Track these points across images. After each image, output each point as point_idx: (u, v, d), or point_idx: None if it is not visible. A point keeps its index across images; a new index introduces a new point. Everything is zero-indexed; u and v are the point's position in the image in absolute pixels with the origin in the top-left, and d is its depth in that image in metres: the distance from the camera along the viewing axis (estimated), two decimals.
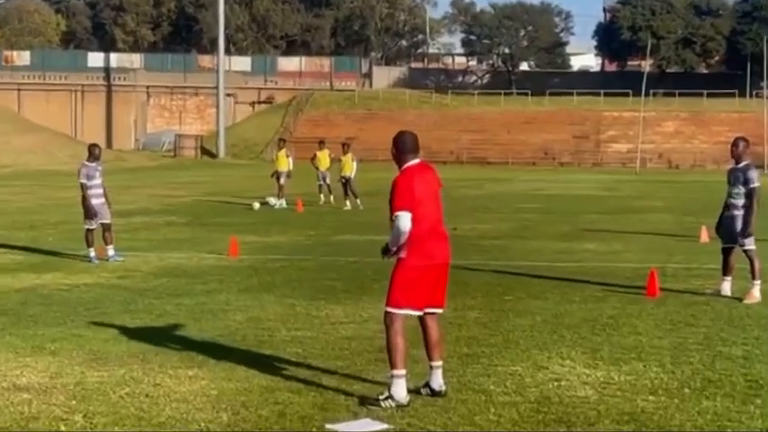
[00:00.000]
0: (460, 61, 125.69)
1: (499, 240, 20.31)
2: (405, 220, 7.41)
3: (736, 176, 12.80)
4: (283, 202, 30.02)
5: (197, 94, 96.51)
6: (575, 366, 8.64)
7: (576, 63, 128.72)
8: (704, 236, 19.68)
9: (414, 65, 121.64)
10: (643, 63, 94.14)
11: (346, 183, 30.14)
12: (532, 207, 30.88)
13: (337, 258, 16.74)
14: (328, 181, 31.94)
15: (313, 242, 19.89)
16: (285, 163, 31.65)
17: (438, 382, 7.63)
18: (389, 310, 7.50)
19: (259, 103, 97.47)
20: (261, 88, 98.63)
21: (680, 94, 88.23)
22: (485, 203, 32.85)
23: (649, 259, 16.70)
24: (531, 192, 41.41)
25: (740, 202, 12.62)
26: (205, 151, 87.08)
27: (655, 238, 20.84)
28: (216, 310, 11.44)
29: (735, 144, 12.94)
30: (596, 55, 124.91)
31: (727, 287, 12.66)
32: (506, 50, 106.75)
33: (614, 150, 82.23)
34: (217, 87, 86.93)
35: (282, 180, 30.97)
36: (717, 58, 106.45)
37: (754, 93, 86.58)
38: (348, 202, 29.59)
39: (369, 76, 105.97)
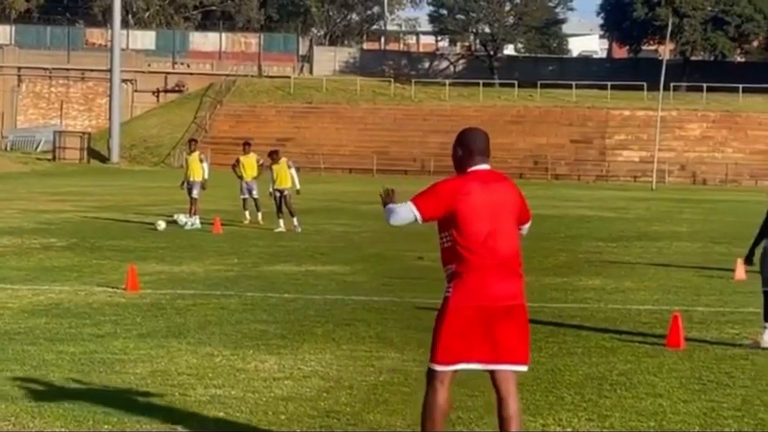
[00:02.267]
0: (428, 42, 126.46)
1: None
2: (403, 213, 7.40)
3: None
4: (197, 221, 29.95)
5: (84, 78, 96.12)
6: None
7: (577, 47, 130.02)
8: (740, 271, 19.89)
9: (367, 46, 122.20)
10: (661, 48, 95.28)
11: (281, 198, 30.08)
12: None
13: (268, 295, 16.72)
14: (255, 194, 31.92)
15: (236, 273, 19.85)
16: (199, 170, 31.48)
17: None
18: (429, 366, 7.46)
19: (165, 91, 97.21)
20: (168, 72, 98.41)
21: (708, 89, 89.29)
22: None
23: (670, 300, 16.84)
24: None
25: None
26: (94, 153, 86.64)
27: (677, 274, 21.03)
28: (110, 361, 11.38)
29: None
30: (602, 37, 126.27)
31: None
32: (486, 29, 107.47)
33: (624, 160, 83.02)
34: (110, 70, 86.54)
35: (195, 192, 30.88)
36: (756, 43, 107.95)
37: None
38: (282, 223, 29.58)
39: (308, 59, 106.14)
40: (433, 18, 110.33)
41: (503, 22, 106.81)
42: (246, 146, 33.78)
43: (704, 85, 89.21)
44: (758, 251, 13.30)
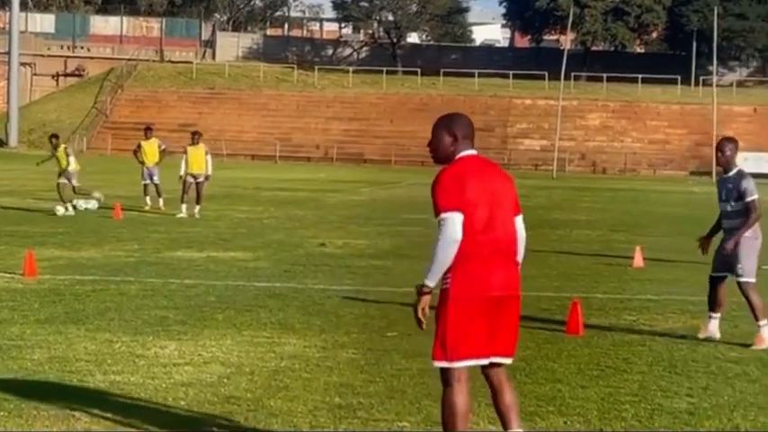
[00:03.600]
0: (331, 29, 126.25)
1: (380, 260, 20.43)
2: (453, 225, 6.98)
3: (728, 189, 12.81)
4: (70, 208, 29.22)
5: None
6: (477, 422, 8.74)
7: (480, 36, 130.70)
8: (638, 259, 20.16)
9: (270, 32, 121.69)
10: (563, 38, 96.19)
11: (196, 184, 29.68)
12: (422, 219, 31.13)
13: (169, 281, 16.59)
14: (157, 179, 31.65)
15: (137, 259, 19.66)
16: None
17: None
18: (438, 364, 7.18)
19: (65, 75, 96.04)
20: (68, 56, 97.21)
21: (608, 79, 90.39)
22: (362, 213, 33.02)
23: (570, 287, 17.02)
24: (421, 199, 41.70)
25: (738, 221, 12.75)
26: None
27: (577, 261, 21.25)
28: (6, 347, 11.22)
29: (720, 148, 12.93)
30: (504, 26, 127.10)
31: (715, 327, 12.73)
32: (390, 17, 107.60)
33: (525, 148, 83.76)
34: (8, 53, 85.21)
35: (74, 181, 30.19)
36: (655, 34, 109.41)
37: (700, 79, 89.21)
38: (185, 208, 29.32)
39: (211, 44, 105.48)
40: (337, 5, 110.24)
41: (406, 10, 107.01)
42: (148, 131, 33.51)
43: (604, 75, 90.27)
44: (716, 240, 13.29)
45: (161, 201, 31.17)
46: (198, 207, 29.41)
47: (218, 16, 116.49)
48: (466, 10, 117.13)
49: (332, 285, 16.67)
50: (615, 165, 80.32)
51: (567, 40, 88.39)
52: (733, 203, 12.80)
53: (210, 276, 17.23)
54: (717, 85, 79.72)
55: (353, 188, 47.77)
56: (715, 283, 12.94)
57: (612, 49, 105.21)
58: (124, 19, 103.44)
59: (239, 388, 9.66)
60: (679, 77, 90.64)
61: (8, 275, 16.73)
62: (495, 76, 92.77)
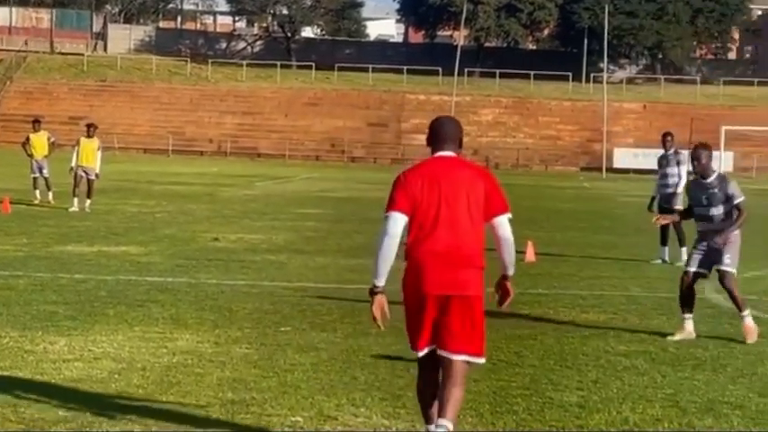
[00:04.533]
0: (225, 22, 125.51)
1: (273, 255, 20.38)
2: (392, 223, 7.31)
3: (711, 194, 12.89)
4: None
5: None
6: (371, 416, 8.76)
7: (374, 31, 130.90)
8: (530, 253, 20.35)
9: (163, 24, 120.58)
10: (456, 34, 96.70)
11: (87, 178, 29.39)
12: (317, 213, 31.15)
13: (59, 275, 16.38)
14: (46, 173, 31.27)
15: (26, 254, 19.37)
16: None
17: None
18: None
19: None
20: None
21: (501, 75, 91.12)
22: (256, 208, 32.90)
23: None
24: (315, 194, 41.76)
25: (723, 223, 12.84)
26: None
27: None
28: None
29: (696, 157, 12.91)
30: (398, 21, 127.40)
31: (691, 327, 12.83)
32: (284, 11, 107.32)
33: (419, 143, 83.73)
34: None
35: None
36: (547, 31, 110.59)
37: (591, 76, 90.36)
38: (76, 202, 28.97)
39: (103, 36, 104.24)
40: None
41: (300, 4, 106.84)
42: (36, 123, 33.07)
43: (497, 71, 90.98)
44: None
45: (50, 194, 30.78)
46: (89, 201, 29.09)
47: (110, 8, 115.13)
48: (360, 5, 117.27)
49: (225, 280, 16.58)
50: (508, 160, 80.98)
51: (460, 36, 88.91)
52: (719, 207, 12.97)
53: (101, 271, 17.03)
54: (607, 82, 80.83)
55: (247, 182, 47.57)
56: (693, 280, 13.13)
57: (505, 45, 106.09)
58: (13, 9, 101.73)
59: (131, 384, 9.57)
60: (570, 74, 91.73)
61: None
62: (389, 71, 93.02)
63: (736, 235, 12.98)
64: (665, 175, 21.13)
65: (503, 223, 7.48)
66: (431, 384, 7.46)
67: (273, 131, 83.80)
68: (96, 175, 29.74)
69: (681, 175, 20.90)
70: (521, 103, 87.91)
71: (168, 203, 33.05)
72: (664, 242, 21.05)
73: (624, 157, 77.94)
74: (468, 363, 7.37)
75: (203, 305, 13.99)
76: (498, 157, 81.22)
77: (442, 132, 7.60)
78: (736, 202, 12.94)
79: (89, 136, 29.94)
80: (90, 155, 29.66)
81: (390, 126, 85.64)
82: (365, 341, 11.91)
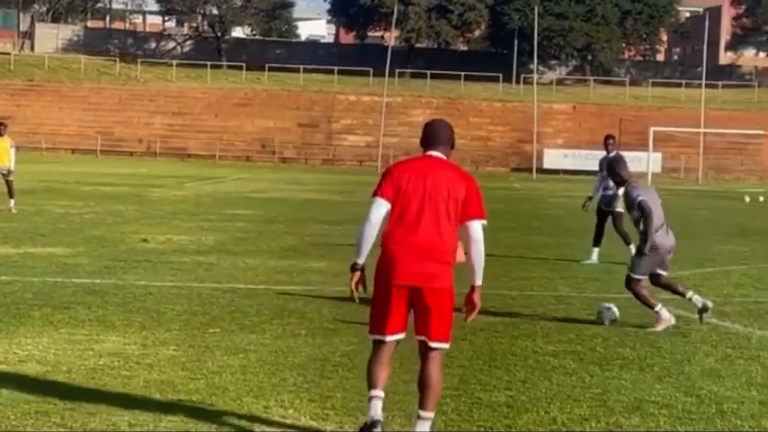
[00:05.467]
0: (154, 22, 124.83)
1: (202, 256, 20.27)
2: (374, 208, 7.86)
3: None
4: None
5: None
6: (299, 418, 8.74)
7: (305, 31, 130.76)
8: (460, 254, 20.34)
9: (91, 24, 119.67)
10: (387, 35, 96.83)
11: (6, 179, 29.16)
12: (247, 214, 31.04)
13: None
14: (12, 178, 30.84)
15: None
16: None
17: None
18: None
19: None
20: None
21: (432, 76, 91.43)
22: (185, 209, 32.73)
23: None
24: (245, 194, 41.62)
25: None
26: None
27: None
28: None
29: (612, 160, 14.02)
30: (329, 22, 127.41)
31: (668, 313, 13.53)
32: (214, 11, 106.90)
33: (350, 144, 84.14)
34: None
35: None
36: (478, 32, 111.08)
37: (521, 77, 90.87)
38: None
39: (30, 35, 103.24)
40: None
41: (231, 4, 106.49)
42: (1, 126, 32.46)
43: (428, 72, 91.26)
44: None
45: (12, 201, 30.37)
46: (12, 201, 28.78)
47: (37, 7, 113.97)
48: (291, 5, 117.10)
49: (153, 281, 16.46)
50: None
51: (391, 37, 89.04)
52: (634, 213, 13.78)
53: (27, 273, 16.84)
54: (537, 84, 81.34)
55: (177, 183, 47.30)
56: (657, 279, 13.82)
57: (436, 46, 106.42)
58: None
59: (56, 387, 9.46)
60: (501, 75, 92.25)
61: None
62: (320, 71, 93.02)
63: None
64: (605, 178, 21.21)
65: (476, 228, 8.04)
66: (382, 365, 7.94)
67: (203, 132, 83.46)
68: (9, 171, 29.33)
69: None
70: (451, 103, 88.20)
71: (96, 204, 32.78)
72: (596, 243, 21.19)
73: (554, 158, 78.53)
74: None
75: (131, 307, 13.87)
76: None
77: (433, 134, 8.17)
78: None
79: (0, 135, 29.63)
80: (4, 154, 29.37)
81: (321, 127, 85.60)
82: (294, 342, 11.88)
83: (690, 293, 13.80)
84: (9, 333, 11.84)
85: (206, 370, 10.38)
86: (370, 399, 7.94)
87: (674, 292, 13.94)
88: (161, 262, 19.07)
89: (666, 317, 13.37)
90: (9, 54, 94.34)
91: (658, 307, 13.43)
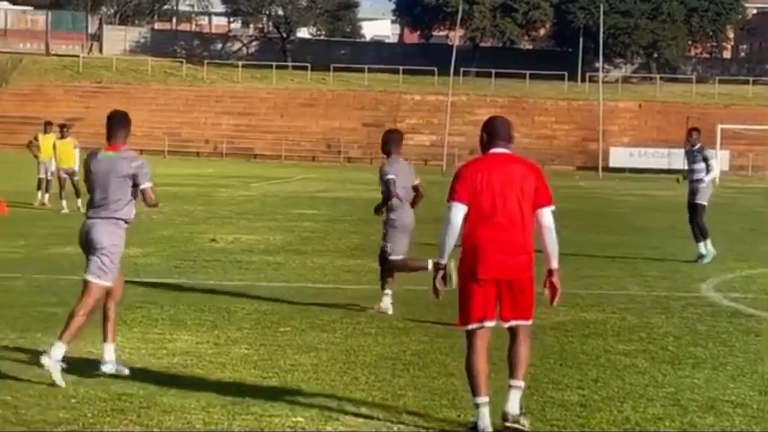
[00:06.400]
0: (220, 23, 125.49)
1: (271, 256, 20.36)
2: (453, 212, 8.24)
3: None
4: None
5: None
6: (372, 416, 8.76)
7: (369, 31, 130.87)
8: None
9: (158, 26, 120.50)
10: (452, 34, 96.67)
11: (69, 178, 29.49)
12: (313, 214, 31.12)
13: (57, 277, 16.36)
14: (51, 175, 31.15)
15: (23, 256, 19.36)
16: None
17: (512, 405, 8.39)
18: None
19: None
20: None
21: (497, 75, 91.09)
22: (252, 209, 32.87)
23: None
24: (311, 194, 41.74)
25: None
26: None
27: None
28: None
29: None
30: (394, 22, 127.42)
31: (388, 303, 14.08)
32: (280, 12, 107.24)
33: (415, 143, 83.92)
34: None
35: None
36: (543, 31, 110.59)
37: (587, 75, 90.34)
38: (65, 204, 28.96)
39: (98, 38, 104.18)
40: None
41: (296, 5, 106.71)
42: (48, 125, 32.76)
43: (493, 71, 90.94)
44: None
45: (47, 196, 30.69)
46: (80, 201, 29.04)
47: (105, 9, 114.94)
48: (356, 5, 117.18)
49: (223, 281, 16.57)
50: None
51: (456, 36, 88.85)
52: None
53: None
54: (603, 82, 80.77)
55: (243, 183, 47.52)
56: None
57: (501, 45, 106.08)
58: (8, 11, 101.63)
59: (131, 385, 9.56)
60: (566, 74, 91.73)
61: None
62: (385, 71, 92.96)
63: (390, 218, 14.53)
64: (691, 171, 21.12)
65: (547, 214, 8.46)
66: (479, 356, 8.34)
67: (269, 132, 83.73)
68: (74, 172, 29.55)
69: (710, 169, 20.96)
70: (517, 102, 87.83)
71: (164, 204, 32.93)
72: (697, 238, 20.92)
73: (620, 157, 77.96)
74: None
75: (202, 306, 13.97)
76: None
77: (496, 131, 8.53)
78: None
79: (63, 137, 29.95)
80: (68, 155, 29.69)
81: (386, 126, 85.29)
82: (365, 341, 11.91)
83: None
84: (84, 332, 11.94)
85: (278, 368, 10.44)
86: (477, 406, 8.28)
87: None
88: (230, 261, 19.18)
89: None
90: (78, 56, 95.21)
91: None
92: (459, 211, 8.24)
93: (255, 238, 23.72)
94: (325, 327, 12.70)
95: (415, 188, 14.49)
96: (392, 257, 14.29)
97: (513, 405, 8.41)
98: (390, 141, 14.53)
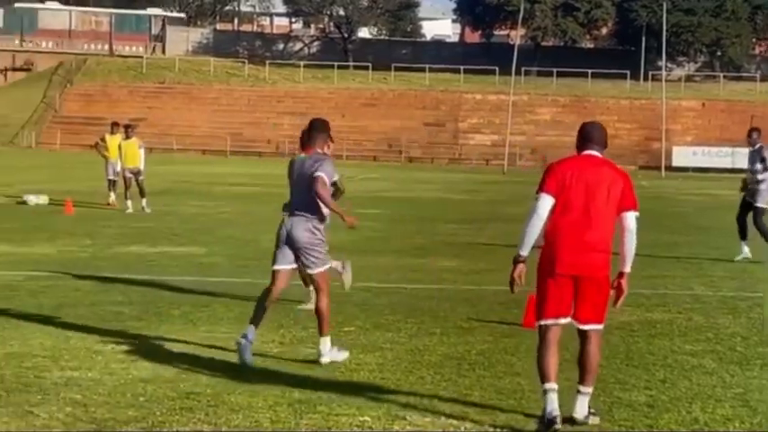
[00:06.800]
0: (282, 24, 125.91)
1: (335, 255, 20.36)
2: (540, 203, 8.48)
3: None
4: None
5: None
6: (439, 416, 8.75)
7: (430, 31, 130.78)
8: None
9: (220, 26, 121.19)
10: (513, 33, 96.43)
11: (134, 178, 29.77)
12: (376, 213, 31.13)
13: (123, 276, 16.48)
14: (116, 175, 31.38)
15: (90, 254, 19.54)
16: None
17: (580, 410, 8.49)
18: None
19: (13, 70, 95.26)
20: (16, 51, 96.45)
21: (559, 74, 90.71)
22: None
23: (525, 281, 17.00)
24: (373, 194, 41.75)
25: None
26: None
27: (530, 254, 21.29)
28: None
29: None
30: (455, 21, 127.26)
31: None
32: (341, 12, 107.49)
33: (476, 143, 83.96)
34: None
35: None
36: (605, 29, 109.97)
37: (649, 74, 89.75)
38: (130, 204, 29.21)
39: (161, 38, 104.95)
40: (287, 0, 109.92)
41: (357, 5, 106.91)
42: (116, 126, 32.90)
43: (554, 70, 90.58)
44: None
45: (113, 196, 30.95)
46: (144, 200, 29.30)
47: (168, 10, 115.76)
48: (416, 5, 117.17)
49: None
50: None
51: (517, 36, 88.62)
52: None
53: (165, 272, 17.13)
54: (665, 80, 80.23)
55: None
56: None
57: (562, 44, 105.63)
58: (73, 13, 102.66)
59: (198, 383, 9.61)
60: (628, 72, 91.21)
61: None
62: (446, 71, 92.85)
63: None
64: (751, 172, 20.91)
65: (631, 218, 8.62)
66: (550, 349, 8.50)
67: (331, 132, 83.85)
68: (138, 171, 29.76)
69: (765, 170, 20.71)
70: (578, 101, 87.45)
71: (228, 204, 33.20)
72: (743, 236, 20.75)
73: (683, 156, 77.39)
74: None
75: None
76: (556, 156, 79.61)
77: (590, 135, 8.82)
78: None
79: (128, 137, 30.20)
80: (133, 155, 29.91)
81: (447, 126, 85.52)
82: (429, 341, 11.90)
83: None
84: (150, 331, 12.06)
85: (343, 368, 10.46)
86: (545, 392, 8.40)
87: None
88: None
89: None
90: (141, 57, 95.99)
91: None
92: (546, 203, 8.47)
93: None
94: (390, 326, 12.71)
95: (334, 184, 14.30)
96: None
97: (582, 410, 8.50)
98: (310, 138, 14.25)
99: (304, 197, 11.07)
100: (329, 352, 10.71)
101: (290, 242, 11.04)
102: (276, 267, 11.13)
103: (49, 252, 19.76)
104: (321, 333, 10.78)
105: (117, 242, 21.73)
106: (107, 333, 11.82)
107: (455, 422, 8.60)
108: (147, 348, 11.08)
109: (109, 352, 10.89)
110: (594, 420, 8.54)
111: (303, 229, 11.02)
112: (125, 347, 11.11)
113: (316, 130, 11.49)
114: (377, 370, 10.38)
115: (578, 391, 8.54)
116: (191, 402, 8.94)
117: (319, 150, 11.34)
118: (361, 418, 8.60)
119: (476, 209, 34.68)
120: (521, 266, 8.68)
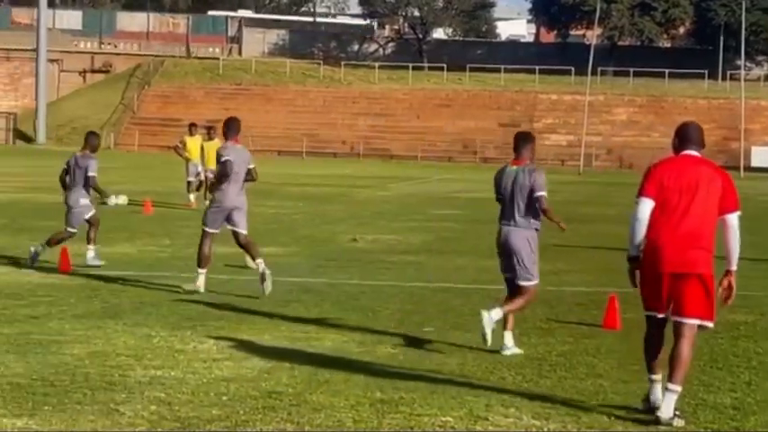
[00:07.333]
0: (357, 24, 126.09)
1: (411, 256, 20.41)
2: (641, 207, 8.76)
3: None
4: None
5: (9, 58, 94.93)
6: (521, 417, 8.72)
7: (505, 31, 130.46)
8: None
9: (296, 28, 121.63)
10: (589, 33, 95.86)
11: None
12: (451, 214, 31.14)
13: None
14: (196, 177, 31.54)
15: (170, 254, 19.71)
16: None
17: (666, 410, 8.51)
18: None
19: (92, 71, 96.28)
20: (95, 53, 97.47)
21: (635, 74, 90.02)
22: (390, 209, 32.99)
23: (603, 282, 16.92)
24: (448, 194, 41.75)
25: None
26: (19, 134, 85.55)
27: (607, 255, 21.13)
28: (46, 342, 11.23)
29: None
30: (530, 22, 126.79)
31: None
32: (416, 12, 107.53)
33: (552, 143, 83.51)
34: (36, 50, 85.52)
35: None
36: (682, 29, 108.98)
37: (727, 74, 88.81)
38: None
39: (237, 40, 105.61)
40: (363, 1, 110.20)
41: (432, 6, 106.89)
42: (193, 127, 33.11)
43: (631, 69, 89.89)
44: None
45: (192, 196, 31.17)
46: None
47: (245, 12, 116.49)
48: (491, 5, 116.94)
49: (365, 280, 16.66)
50: (642, 160, 79.56)
51: (593, 36, 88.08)
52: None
53: (244, 271, 17.21)
54: (744, 80, 79.34)
55: (381, 183, 47.74)
56: None
57: (639, 43, 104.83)
58: (150, 15, 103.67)
59: (280, 383, 9.65)
60: (706, 72, 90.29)
61: (43, 271, 16.77)
62: (521, 71, 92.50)
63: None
64: None
65: (732, 218, 8.82)
66: (655, 340, 8.89)
67: (405, 133, 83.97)
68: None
69: None
70: (655, 101, 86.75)
71: (305, 205, 33.33)
72: None
73: (763, 156, 76.48)
74: (699, 326, 8.69)
75: (346, 305, 14.06)
76: (632, 157, 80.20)
77: (688, 136, 9.04)
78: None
79: (210, 138, 30.31)
80: (215, 157, 29.93)
81: (522, 126, 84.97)
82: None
83: None
84: (232, 330, 12.13)
85: (424, 368, 10.45)
86: (651, 381, 8.90)
87: None
88: (371, 261, 19.28)
89: None
90: (218, 59, 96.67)
91: None
92: (646, 207, 8.72)
93: (395, 238, 23.81)
94: (469, 327, 12.67)
95: (249, 171, 15.20)
96: (206, 228, 15.76)
97: (668, 410, 8.50)
98: (230, 128, 15.95)
99: (520, 208, 11.54)
100: (512, 347, 11.28)
101: (506, 251, 11.51)
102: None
103: (129, 252, 19.95)
104: (505, 328, 11.37)
105: (196, 242, 21.68)
106: (188, 332, 11.91)
107: (537, 423, 8.56)
108: (228, 348, 11.14)
109: (191, 351, 10.97)
110: (679, 423, 8.48)
111: (519, 237, 11.50)
112: (207, 346, 11.19)
113: (523, 141, 11.73)
114: (458, 370, 10.37)
115: (666, 389, 8.57)
116: (273, 401, 8.97)
117: (528, 161, 11.65)
118: (443, 419, 8.59)
119: (552, 209, 34.42)
120: (633, 266, 8.91)
